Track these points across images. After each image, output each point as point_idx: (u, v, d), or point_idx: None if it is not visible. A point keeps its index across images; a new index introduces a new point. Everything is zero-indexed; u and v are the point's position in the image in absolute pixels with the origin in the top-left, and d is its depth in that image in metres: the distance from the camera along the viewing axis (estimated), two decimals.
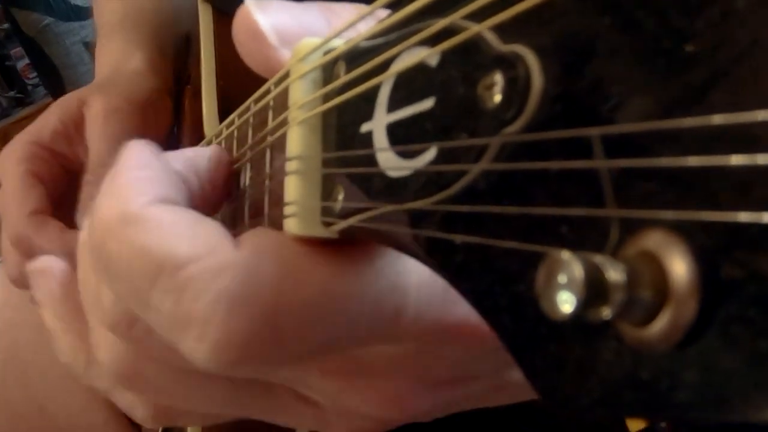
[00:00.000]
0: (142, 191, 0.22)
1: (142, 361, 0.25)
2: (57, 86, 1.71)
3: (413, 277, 0.21)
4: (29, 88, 2.18)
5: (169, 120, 0.62)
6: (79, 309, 0.28)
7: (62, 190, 0.59)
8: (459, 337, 0.22)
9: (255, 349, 0.20)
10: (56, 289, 0.30)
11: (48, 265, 0.32)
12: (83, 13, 1.62)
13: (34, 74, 2.08)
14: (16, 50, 2.08)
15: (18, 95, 2.18)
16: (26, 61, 2.05)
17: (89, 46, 1.60)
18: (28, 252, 0.56)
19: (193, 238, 0.20)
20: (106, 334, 0.26)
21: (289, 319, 0.20)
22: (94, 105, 0.57)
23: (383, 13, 0.18)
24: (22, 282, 0.58)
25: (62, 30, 1.64)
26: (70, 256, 0.56)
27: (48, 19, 1.64)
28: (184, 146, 0.60)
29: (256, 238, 0.21)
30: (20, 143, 0.58)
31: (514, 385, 0.26)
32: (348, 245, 0.21)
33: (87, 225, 0.25)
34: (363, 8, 0.18)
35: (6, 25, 1.93)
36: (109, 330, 0.24)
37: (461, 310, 0.22)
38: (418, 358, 0.24)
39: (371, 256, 0.21)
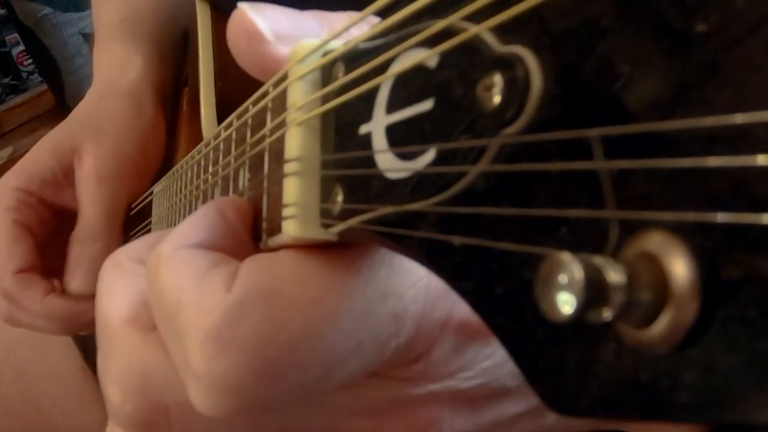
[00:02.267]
0: (183, 236, 0.23)
1: None
2: (54, 77, 1.71)
3: (410, 278, 0.21)
4: (24, 75, 2.17)
5: (161, 149, 0.62)
6: None
7: (51, 234, 0.60)
8: (475, 333, 0.22)
9: (251, 386, 0.19)
10: None
11: None
12: (82, 4, 1.61)
13: (29, 61, 2.07)
14: (11, 37, 2.07)
15: (12, 82, 2.17)
16: (21, 47, 2.04)
17: (87, 38, 1.59)
18: (16, 305, 0.56)
19: (199, 283, 0.21)
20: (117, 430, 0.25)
21: (280, 349, 0.20)
22: (86, 162, 0.57)
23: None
24: (12, 324, 0.58)
25: (60, 20, 1.63)
26: (52, 320, 0.57)
27: (46, 9, 1.63)
28: (181, 148, 0.60)
29: (247, 270, 0.21)
30: (8, 189, 0.58)
31: (546, 410, 0.26)
32: (348, 248, 0.21)
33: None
34: (357, 16, 0.18)
35: (2, 11, 1.92)
36: (124, 428, 0.24)
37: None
38: (445, 373, 0.23)
39: (368, 264, 0.21)
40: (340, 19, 0.24)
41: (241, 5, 0.23)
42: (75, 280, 0.56)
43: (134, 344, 0.23)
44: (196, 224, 0.23)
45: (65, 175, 0.58)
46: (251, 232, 0.25)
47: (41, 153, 0.59)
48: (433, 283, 0.22)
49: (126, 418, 0.23)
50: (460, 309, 0.22)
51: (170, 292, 0.21)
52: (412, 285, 0.21)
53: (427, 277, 0.21)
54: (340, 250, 0.21)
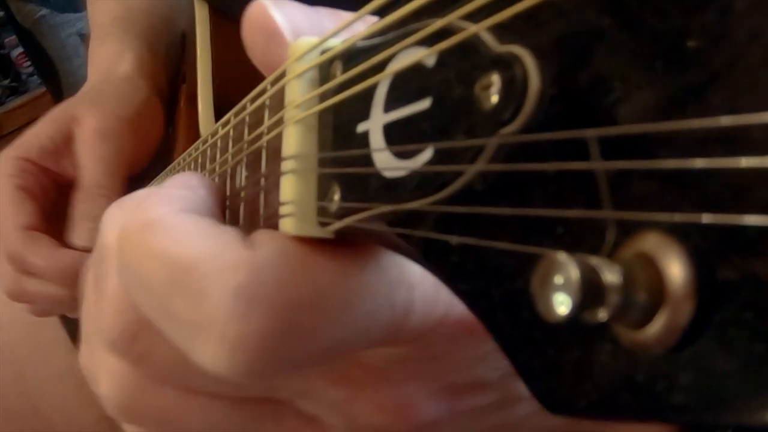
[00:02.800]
0: (160, 203, 0.22)
1: (143, 387, 0.24)
2: (53, 78, 1.70)
3: (417, 269, 0.21)
4: (23, 77, 2.17)
5: (160, 126, 0.62)
6: None
7: (52, 204, 0.59)
8: (464, 325, 0.22)
9: (275, 347, 0.19)
10: None
11: None
12: (79, 5, 1.61)
13: (29, 63, 2.07)
14: (10, 39, 2.07)
15: (12, 84, 2.17)
16: (20, 49, 2.04)
17: (85, 39, 1.59)
18: (22, 268, 0.56)
19: (206, 239, 0.20)
20: (105, 362, 0.25)
21: (308, 316, 0.19)
22: (86, 123, 0.57)
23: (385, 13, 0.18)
24: (17, 296, 0.58)
25: (57, 22, 1.63)
26: (61, 273, 0.56)
27: (43, 11, 1.63)
28: (179, 145, 0.60)
29: (266, 237, 0.21)
30: (8, 158, 0.58)
31: (519, 401, 0.26)
32: (353, 246, 0.21)
33: (90, 262, 0.25)
34: (368, 17, 0.18)
35: (1, 13, 1.92)
36: (109, 349, 0.24)
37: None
38: (426, 359, 0.23)
39: (376, 253, 0.21)
40: (347, 20, 0.24)
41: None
42: (78, 235, 0.55)
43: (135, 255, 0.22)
44: (167, 193, 0.23)
45: (64, 143, 0.58)
46: (222, 210, 0.25)
47: (40, 124, 0.60)
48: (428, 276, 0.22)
49: (116, 335, 0.23)
50: (457, 303, 0.22)
51: (173, 257, 0.20)
52: (422, 277, 0.21)
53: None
54: (353, 245, 0.21)
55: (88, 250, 0.54)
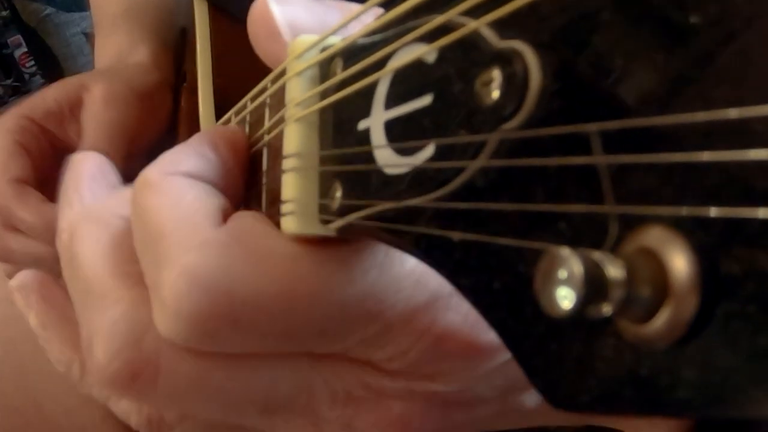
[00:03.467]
0: (172, 162, 0.23)
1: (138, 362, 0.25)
2: (57, 77, 1.70)
3: (407, 287, 0.21)
4: (26, 76, 2.16)
5: (168, 115, 0.62)
6: (67, 316, 0.28)
7: (49, 167, 0.59)
8: (455, 345, 0.22)
9: (209, 327, 0.20)
10: (37, 301, 0.30)
11: (23, 281, 0.31)
12: (84, 4, 1.61)
13: (32, 63, 2.07)
14: (14, 38, 2.07)
15: (15, 84, 2.17)
16: (24, 49, 2.04)
17: (89, 37, 1.59)
18: (8, 221, 0.55)
19: (185, 213, 0.21)
20: (100, 333, 0.25)
21: (247, 308, 0.20)
22: (95, 90, 0.57)
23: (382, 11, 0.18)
24: (5, 254, 0.57)
25: (63, 20, 1.63)
26: (46, 228, 0.56)
27: (48, 9, 1.63)
28: (180, 144, 0.60)
29: (237, 220, 0.22)
30: (11, 116, 0.58)
31: (520, 412, 0.26)
32: (344, 245, 0.21)
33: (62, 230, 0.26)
34: (376, 11, 0.18)
35: (5, 13, 1.92)
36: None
37: (455, 317, 0.22)
38: (423, 377, 0.23)
39: (360, 254, 0.21)
40: (345, 18, 0.24)
41: None
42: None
43: (123, 291, 0.23)
44: (187, 152, 0.24)
45: (71, 109, 0.58)
46: (243, 170, 0.26)
47: (50, 88, 0.59)
48: (416, 296, 0.22)
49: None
50: (441, 322, 0.22)
51: (153, 219, 0.22)
52: (395, 293, 0.21)
53: (412, 287, 0.22)
54: (337, 244, 0.21)
55: None
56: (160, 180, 0.22)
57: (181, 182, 0.22)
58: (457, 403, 0.24)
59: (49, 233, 0.54)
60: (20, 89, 2.17)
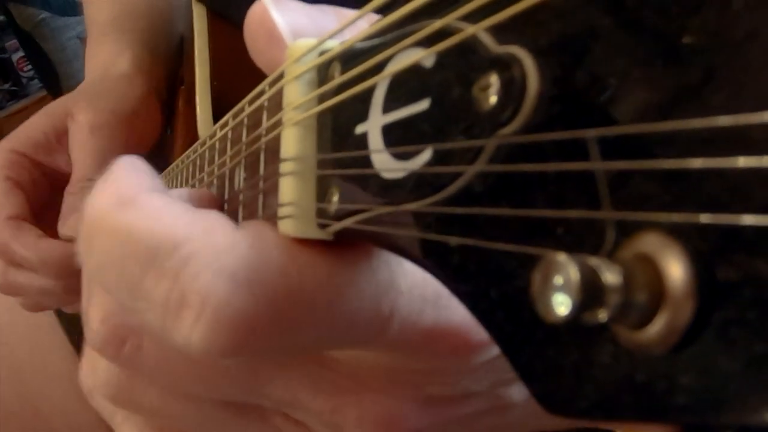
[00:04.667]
0: (138, 182, 0.21)
1: (130, 385, 0.25)
2: (53, 82, 1.70)
3: (407, 279, 0.21)
4: (24, 81, 2.16)
5: (157, 126, 0.62)
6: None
7: (43, 198, 0.59)
8: (450, 344, 0.22)
9: (254, 332, 0.19)
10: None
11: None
12: (79, 8, 1.61)
13: (29, 67, 2.07)
14: (11, 43, 2.06)
15: (12, 88, 2.16)
16: (21, 53, 2.04)
17: (85, 42, 1.59)
18: (8, 258, 0.56)
19: (192, 220, 0.20)
20: (94, 358, 0.25)
21: (292, 306, 0.19)
22: (80, 118, 0.57)
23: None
24: (6, 288, 0.58)
25: (58, 25, 1.63)
26: (46, 263, 0.56)
27: (44, 14, 1.63)
28: (177, 147, 0.60)
29: (257, 225, 0.21)
30: (1, 151, 0.58)
31: (510, 407, 0.26)
32: (344, 244, 0.21)
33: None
34: (373, 16, 0.18)
35: (1, 17, 1.92)
36: (98, 352, 0.24)
37: (452, 316, 0.22)
38: (411, 372, 0.23)
39: (368, 254, 0.21)
40: (345, 22, 0.24)
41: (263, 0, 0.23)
42: (66, 226, 0.55)
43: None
44: (154, 178, 0.22)
45: (57, 139, 0.59)
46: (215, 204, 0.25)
47: (35, 118, 0.60)
48: (422, 285, 0.22)
49: (102, 337, 0.23)
50: (444, 321, 0.22)
51: (147, 230, 0.19)
52: (409, 288, 0.21)
53: (422, 284, 0.21)
54: (347, 243, 0.21)
55: (74, 241, 0.54)
56: (137, 197, 0.20)
57: (162, 197, 0.20)
58: (445, 398, 0.24)
59: (48, 267, 0.54)
60: (18, 93, 2.17)
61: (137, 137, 0.59)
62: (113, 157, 0.59)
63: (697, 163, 0.10)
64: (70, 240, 0.55)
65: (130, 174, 0.22)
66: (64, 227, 0.56)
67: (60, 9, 1.64)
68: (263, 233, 0.20)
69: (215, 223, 0.20)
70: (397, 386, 0.23)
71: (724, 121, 0.09)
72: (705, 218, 0.10)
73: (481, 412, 0.26)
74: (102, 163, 0.56)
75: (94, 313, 0.23)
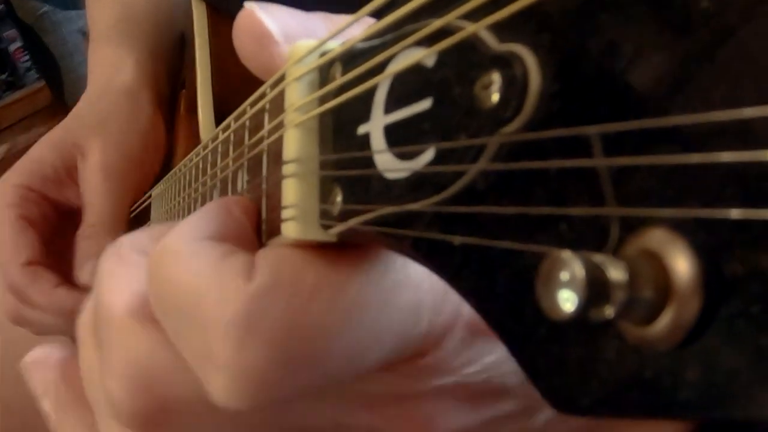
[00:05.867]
0: (186, 231, 0.22)
1: None
2: (54, 75, 1.70)
3: (421, 272, 0.21)
4: (21, 71, 2.15)
5: (163, 144, 0.62)
6: (83, 400, 0.26)
7: (54, 231, 0.59)
8: (477, 333, 0.22)
9: (275, 375, 0.19)
10: (56, 382, 0.29)
11: (43, 356, 0.30)
12: (81, 2, 1.61)
13: (26, 57, 2.05)
14: (9, 33, 2.05)
15: (9, 78, 2.15)
16: (18, 43, 2.02)
17: (87, 36, 1.59)
18: (23, 300, 0.56)
19: (212, 269, 0.20)
20: (115, 427, 0.24)
21: (307, 342, 0.19)
22: (90, 157, 0.57)
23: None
24: (17, 321, 0.58)
25: (60, 18, 1.63)
26: (60, 311, 0.56)
27: (46, 7, 1.63)
28: (179, 151, 0.60)
29: (265, 261, 0.21)
30: (9, 186, 0.58)
31: (542, 408, 0.26)
32: (360, 248, 0.21)
33: (87, 308, 0.25)
34: (364, 19, 0.18)
35: (1, 7, 1.91)
36: (125, 425, 0.23)
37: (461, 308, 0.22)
38: (447, 372, 0.23)
39: (380, 255, 0.21)
40: (345, 22, 0.24)
41: (248, 5, 0.23)
42: (85, 274, 0.55)
43: (139, 336, 0.22)
44: (204, 218, 0.23)
45: (67, 172, 0.58)
46: (256, 230, 0.25)
47: (42, 150, 0.60)
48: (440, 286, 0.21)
49: (130, 414, 0.22)
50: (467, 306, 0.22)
51: (185, 284, 0.20)
52: (428, 275, 0.21)
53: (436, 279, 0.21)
54: (363, 250, 0.21)
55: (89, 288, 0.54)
56: (183, 246, 0.21)
57: (203, 244, 0.21)
58: (482, 394, 0.24)
59: (59, 318, 0.55)
60: (15, 84, 2.16)
61: (147, 172, 0.60)
62: (126, 197, 0.58)
63: (704, 157, 0.10)
64: (86, 287, 0.55)
65: (186, 222, 0.23)
66: (82, 274, 0.56)
67: (61, 2, 1.64)
68: (270, 272, 0.20)
69: (230, 270, 0.20)
70: (438, 386, 0.23)
71: (724, 114, 0.09)
72: (710, 213, 0.10)
73: (515, 413, 0.25)
74: (115, 206, 0.57)
75: (116, 389, 0.23)
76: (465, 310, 0.22)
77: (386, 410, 0.23)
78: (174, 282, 0.21)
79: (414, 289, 0.21)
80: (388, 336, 0.21)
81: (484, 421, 0.25)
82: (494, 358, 0.24)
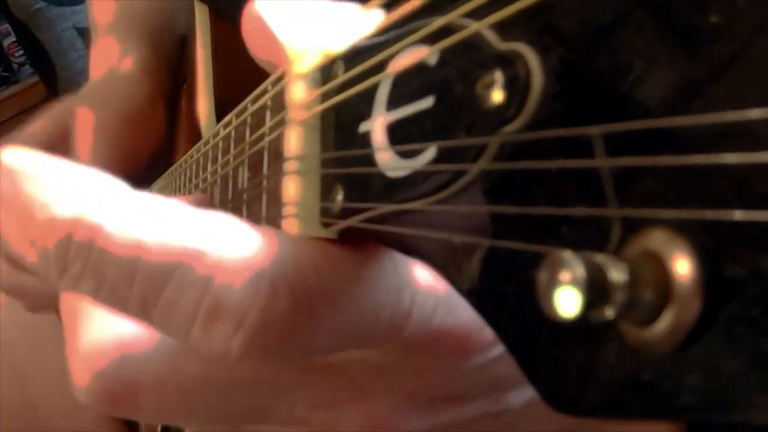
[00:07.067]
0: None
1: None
2: (48, 72, 1.69)
3: (422, 276, 0.21)
4: (15, 66, 2.13)
5: (162, 127, 0.62)
6: None
7: None
8: (452, 343, 0.22)
9: (292, 334, 0.19)
10: None
11: None
12: None
13: (21, 52, 2.04)
14: (2, 27, 2.04)
15: (3, 74, 2.14)
16: (12, 38, 2.01)
17: (81, 33, 1.58)
18: (17, 263, 0.56)
19: (216, 227, 0.19)
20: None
21: (326, 305, 0.19)
22: (83, 118, 0.57)
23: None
24: (11, 289, 0.58)
25: (54, 15, 1.62)
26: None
27: (40, 3, 1.62)
28: (180, 147, 0.60)
29: (278, 232, 0.20)
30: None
31: (510, 414, 0.26)
32: (362, 241, 0.21)
33: None
34: (373, 12, 0.18)
35: None
36: (89, 405, 0.23)
37: (458, 316, 0.22)
38: (411, 374, 0.23)
39: (386, 251, 0.21)
40: (347, 8, 0.23)
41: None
42: None
43: (107, 315, 0.22)
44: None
45: (62, 139, 0.58)
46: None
47: (39, 121, 0.60)
48: (438, 288, 0.22)
49: (92, 394, 0.22)
50: (451, 320, 0.22)
51: (172, 241, 0.19)
52: (424, 286, 0.21)
53: (433, 281, 0.21)
54: (366, 242, 0.21)
55: None
56: (142, 203, 0.20)
57: (182, 205, 0.20)
58: (443, 400, 0.24)
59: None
60: (9, 79, 2.15)
61: (142, 138, 0.59)
62: (116, 157, 0.57)
63: (706, 159, 0.10)
64: None
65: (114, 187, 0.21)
66: None
67: None
68: (289, 236, 0.20)
69: (241, 226, 0.19)
70: (396, 390, 0.23)
71: (726, 116, 0.09)
72: (711, 214, 0.10)
73: (479, 416, 0.25)
74: (107, 164, 0.56)
75: (78, 371, 0.22)
76: (447, 324, 0.22)
77: (345, 407, 0.23)
78: (141, 243, 0.19)
79: (412, 291, 0.21)
80: (380, 323, 0.21)
81: (445, 423, 0.25)
82: (458, 370, 0.24)
